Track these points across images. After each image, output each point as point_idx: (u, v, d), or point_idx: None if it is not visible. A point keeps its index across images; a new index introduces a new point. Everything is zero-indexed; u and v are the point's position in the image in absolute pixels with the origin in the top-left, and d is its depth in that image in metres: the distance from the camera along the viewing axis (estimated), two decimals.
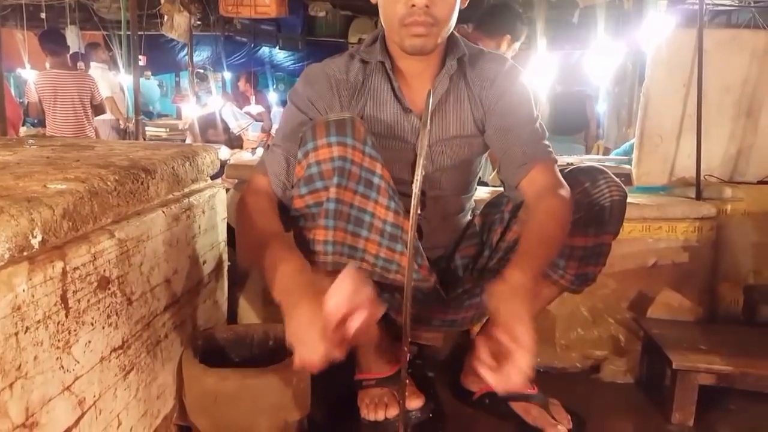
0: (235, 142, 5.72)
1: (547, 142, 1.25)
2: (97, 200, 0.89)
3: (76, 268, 0.80)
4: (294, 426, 1.17)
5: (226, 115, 5.72)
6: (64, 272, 0.78)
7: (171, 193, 1.19)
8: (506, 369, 0.87)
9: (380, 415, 1.22)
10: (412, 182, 1.30)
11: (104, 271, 0.88)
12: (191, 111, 5.89)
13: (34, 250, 0.74)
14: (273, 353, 1.26)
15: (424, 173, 1.27)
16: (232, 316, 1.68)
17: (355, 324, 0.85)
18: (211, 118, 5.74)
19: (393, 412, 1.22)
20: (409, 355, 0.90)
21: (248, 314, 1.81)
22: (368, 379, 1.30)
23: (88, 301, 0.84)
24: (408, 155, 1.26)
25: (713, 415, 1.43)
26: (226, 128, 5.70)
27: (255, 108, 5.91)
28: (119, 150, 1.26)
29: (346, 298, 0.86)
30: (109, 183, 0.93)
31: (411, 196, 1.29)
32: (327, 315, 0.86)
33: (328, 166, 1.11)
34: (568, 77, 4.75)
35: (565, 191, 1.18)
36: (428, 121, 0.65)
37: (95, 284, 0.86)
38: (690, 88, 2.04)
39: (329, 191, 1.12)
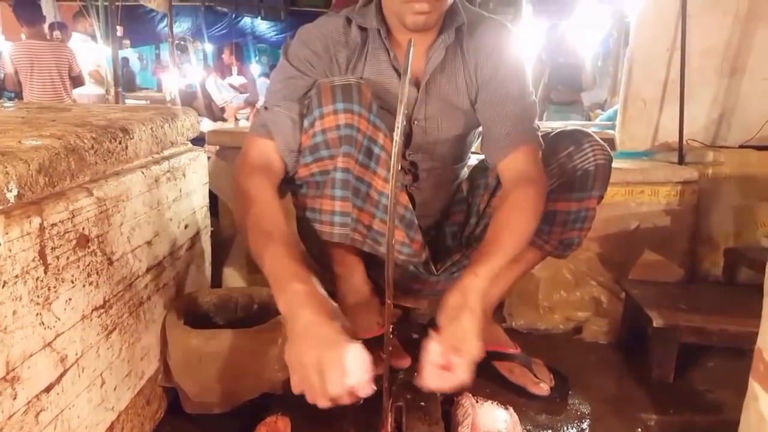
0: (217, 114, 5.64)
1: (535, 124, 1.21)
2: (74, 157, 0.87)
3: (54, 225, 0.79)
4: (279, 386, 1.18)
5: (209, 86, 5.63)
6: (42, 228, 0.76)
7: (150, 155, 1.17)
8: (446, 376, 0.92)
9: None
10: (404, 152, 1.29)
11: (83, 229, 0.87)
12: (172, 83, 5.79)
13: (10, 204, 0.72)
14: (257, 317, 1.26)
15: (418, 144, 1.28)
16: (216, 284, 1.68)
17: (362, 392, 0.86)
18: (192, 90, 5.65)
19: (377, 370, 1.22)
20: (393, 308, 0.90)
21: (232, 282, 1.80)
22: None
23: (68, 258, 0.83)
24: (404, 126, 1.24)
25: (693, 372, 1.46)
26: (209, 100, 5.61)
27: (237, 79, 5.81)
28: (97, 111, 1.23)
29: (363, 376, 0.85)
30: (86, 141, 0.92)
31: (406, 166, 1.27)
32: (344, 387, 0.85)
33: (334, 135, 1.10)
34: (556, 47, 4.72)
35: (542, 181, 1.16)
36: (408, 68, 0.64)
37: (74, 242, 0.84)
38: (673, 53, 2.05)
39: (336, 160, 1.11)
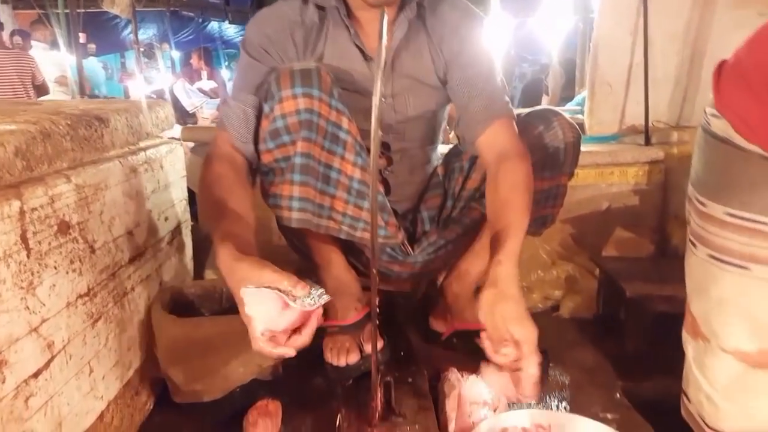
0: (188, 120, 5.58)
1: (507, 98, 1.24)
2: (50, 142, 0.87)
3: (34, 209, 0.79)
4: (268, 371, 1.18)
5: (177, 92, 5.57)
6: (22, 212, 0.76)
7: (127, 145, 1.17)
8: (522, 384, 0.97)
9: (342, 361, 1.25)
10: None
11: (63, 215, 0.86)
12: (139, 89, 5.71)
13: None
14: None
15: (388, 124, 1.29)
16: (199, 277, 1.67)
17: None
18: (160, 96, 5.59)
19: (354, 358, 1.26)
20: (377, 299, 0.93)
21: (214, 275, 1.80)
22: (332, 326, 1.31)
23: (50, 243, 0.82)
24: (370, 105, 1.24)
25: (666, 339, 1.50)
26: (178, 106, 5.55)
27: (207, 84, 5.77)
28: (69, 105, 1.22)
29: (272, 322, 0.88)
30: (61, 127, 0.91)
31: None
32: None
33: (294, 119, 1.08)
34: (524, 46, 4.81)
35: (526, 155, 1.18)
36: (383, 48, 0.65)
37: (55, 227, 0.84)
38: (636, 37, 2.10)
39: (297, 145, 1.09)
